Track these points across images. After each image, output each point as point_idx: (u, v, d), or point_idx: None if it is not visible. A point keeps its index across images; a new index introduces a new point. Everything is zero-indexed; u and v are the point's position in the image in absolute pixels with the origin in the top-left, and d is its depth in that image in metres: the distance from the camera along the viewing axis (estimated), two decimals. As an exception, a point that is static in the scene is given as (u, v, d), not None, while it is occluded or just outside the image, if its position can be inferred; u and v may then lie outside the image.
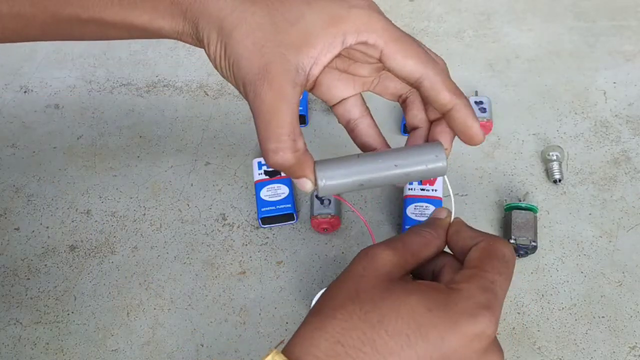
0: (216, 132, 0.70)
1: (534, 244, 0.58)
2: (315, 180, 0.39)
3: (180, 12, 0.39)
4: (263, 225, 0.62)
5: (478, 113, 0.66)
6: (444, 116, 0.40)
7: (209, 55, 0.40)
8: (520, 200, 0.62)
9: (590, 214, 0.62)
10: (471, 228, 0.40)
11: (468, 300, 0.34)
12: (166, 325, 0.57)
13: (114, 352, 0.56)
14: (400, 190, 0.64)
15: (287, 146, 0.37)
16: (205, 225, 0.63)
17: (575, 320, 0.56)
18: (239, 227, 0.63)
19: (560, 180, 0.63)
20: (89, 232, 0.63)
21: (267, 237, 0.62)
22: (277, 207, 0.61)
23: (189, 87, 0.75)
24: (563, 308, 0.57)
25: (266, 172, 0.63)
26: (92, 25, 0.41)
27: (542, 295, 0.57)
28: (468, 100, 0.40)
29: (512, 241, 0.58)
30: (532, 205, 0.59)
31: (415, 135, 0.43)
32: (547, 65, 0.75)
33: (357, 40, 0.37)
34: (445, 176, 0.41)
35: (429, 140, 0.42)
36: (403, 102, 0.44)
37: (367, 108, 0.44)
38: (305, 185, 0.39)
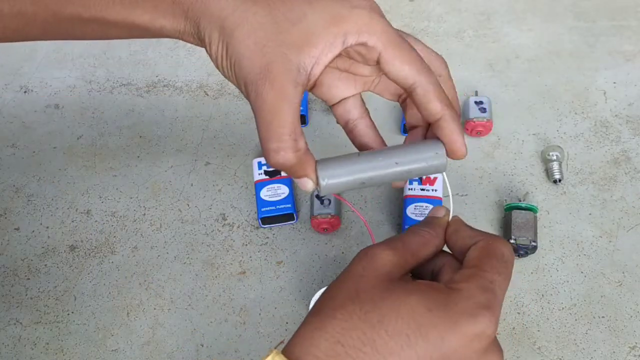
0: (216, 132, 0.70)
1: (534, 244, 0.58)
2: (317, 179, 0.39)
3: (181, 11, 0.39)
4: (263, 225, 0.62)
5: (478, 113, 0.66)
6: (432, 125, 0.40)
7: (210, 55, 0.40)
8: (520, 200, 0.62)
9: (590, 214, 0.62)
10: (470, 227, 0.40)
11: (468, 300, 0.34)
12: (166, 325, 0.57)
13: (114, 352, 0.56)
14: (400, 190, 0.64)
15: (288, 146, 0.37)
16: (205, 225, 0.63)
17: (575, 320, 0.56)
18: (239, 227, 0.63)
19: (560, 180, 0.63)
20: (89, 232, 0.63)
21: (267, 237, 0.62)
22: (277, 207, 0.61)
23: (189, 87, 0.75)
24: (563, 308, 0.57)
25: (266, 172, 0.63)
26: (93, 25, 0.42)
27: (542, 295, 0.57)
28: (457, 114, 0.40)
29: (512, 241, 0.58)
30: (532, 205, 0.59)
31: (414, 133, 0.43)
32: (547, 65, 0.75)
33: (357, 41, 0.38)
34: (444, 173, 0.41)
35: (428, 137, 0.42)
36: (403, 102, 0.44)
37: (367, 109, 0.44)
38: (307, 184, 0.39)
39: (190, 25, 0.39)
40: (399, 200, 0.64)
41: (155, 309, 0.58)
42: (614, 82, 0.72)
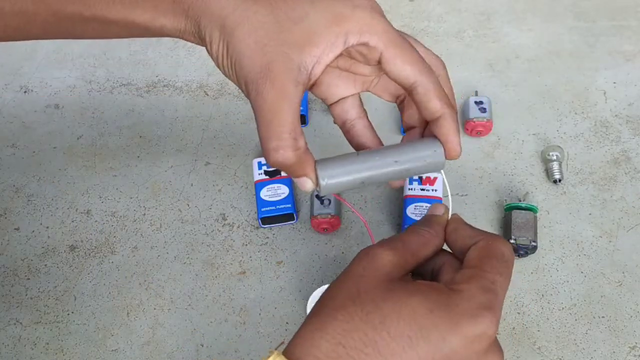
0: (216, 132, 0.70)
1: (534, 244, 0.58)
2: (317, 179, 0.39)
3: (182, 10, 0.39)
4: (263, 225, 0.62)
5: (478, 113, 0.66)
6: (430, 124, 0.40)
7: (210, 54, 0.40)
8: (520, 200, 0.62)
9: (590, 214, 0.62)
10: (469, 226, 0.40)
11: (469, 301, 0.34)
12: (166, 325, 0.57)
13: (114, 352, 0.56)
14: (400, 190, 0.64)
15: (288, 144, 0.37)
16: (205, 225, 0.63)
17: (575, 320, 0.56)
18: (239, 227, 0.63)
19: (560, 180, 0.63)
20: (89, 232, 0.63)
21: (267, 237, 0.62)
22: (277, 207, 0.61)
23: (189, 87, 0.75)
24: (563, 308, 0.57)
25: (266, 172, 0.63)
26: (93, 23, 0.41)
27: (542, 295, 0.57)
28: (456, 113, 0.40)
29: (512, 241, 0.58)
30: (532, 205, 0.59)
31: (412, 133, 0.43)
32: (547, 65, 0.75)
33: (359, 41, 0.38)
34: (442, 171, 0.41)
35: (425, 136, 0.42)
36: (400, 103, 0.44)
37: (365, 110, 0.44)
38: (306, 184, 0.39)
39: (191, 24, 0.39)
40: (399, 200, 0.64)
41: (155, 309, 0.58)
42: (614, 82, 0.72)
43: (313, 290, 0.57)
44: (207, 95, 0.74)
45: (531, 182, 0.64)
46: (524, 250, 0.58)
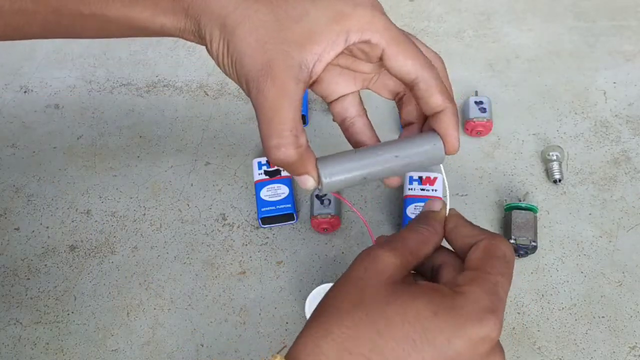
0: (216, 132, 0.70)
1: (534, 244, 0.58)
2: (318, 177, 0.39)
3: (182, 9, 0.39)
4: (263, 225, 0.62)
5: (478, 113, 0.66)
6: (430, 118, 0.40)
7: (211, 53, 0.40)
8: (520, 200, 0.62)
9: (590, 214, 0.62)
10: (470, 223, 0.40)
11: (474, 304, 0.34)
12: (166, 325, 0.57)
13: (114, 352, 0.56)
14: (400, 190, 0.64)
15: (289, 142, 0.37)
16: (205, 225, 0.63)
17: (575, 320, 0.56)
18: (239, 227, 0.63)
19: (560, 180, 0.63)
20: (89, 232, 0.63)
21: (267, 237, 0.62)
22: (277, 207, 0.61)
23: (189, 87, 0.75)
24: (563, 308, 0.57)
25: (266, 172, 0.63)
26: (93, 21, 0.41)
27: (542, 295, 0.57)
28: (456, 109, 0.40)
29: (512, 241, 0.58)
30: (532, 205, 0.59)
31: (410, 129, 0.43)
32: (547, 65, 0.75)
33: (360, 39, 0.38)
34: (442, 165, 0.41)
35: (424, 131, 0.42)
36: (399, 100, 0.44)
37: (364, 108, 0.45)
38: (307, 182, 0.39)
39: (191, 23, 0.39)
40: (399, 200, 0.64)
41: (155, 309, 0.58)
42: (614, 82, 0.72)
43: (313, 290, 0.57)
44: (207, 95, 0.74)
45: (531, 182, 0.64)
46: (524, 250, 0.58)
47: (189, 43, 0.78)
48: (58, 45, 0.80)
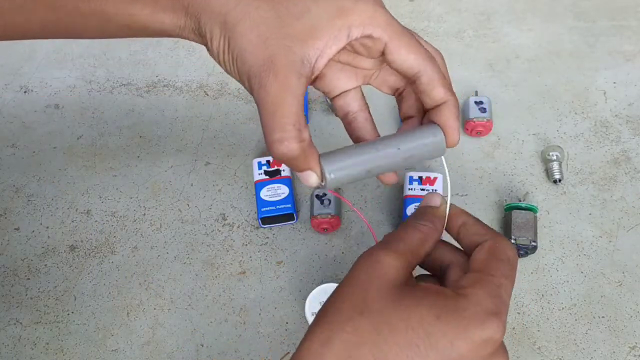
0: (216, 132, 0.70)
1: (534, 244, 0.58)
2: (322, 173, 0.39)
3: (182, 7, 0.39)
4: (263, 225, 0.62)
5: (478, 113, 0.66)
6: (431, 111, 0.41)
7: (211, 51, 0.39)
8: (520, 200, 0.62)
9: (590, 214, 0.62)
10: (477, 221, 0.40)
11: (477, 307, 0.34)
12: (166, 325, 0.57)
13: (114, 352, 0.56)
14: (400, 190, 0.64)
15: (292, 136, 0.36)
16: (205, 225, 0.63)
17: (575, 320, 0.56)
18: (239, 227, 0.63)
19: (560, 180, 0.63)
20: (89, 232, 0.63)
21: (267, 237, 0.62)
22: (277, 207, 0.61)
23: (189, 87, 0.75)
24: (563, 308, 0.57)
25: (266, 172, 0.63)
26: (92, 20, 0.41)
27: (542, 295, 0.57)
28: (458, 101, 0.40)
29: (512, 241, 0.58)
30: (532, 205, 0.59)
31: (409, 123, 0.44)
32: (547, 65, 0.75)
33: (363, 34, 0.38)
34: (443, 158, 0.41)
35: (424, 124, 0.43)
36: (399, 95, 0.44)
37: (366, 103, 0.45)
38: (310, 178, 0.39)
39: (191, 20, 0.39)
40: (399, 200, 0.64)
41: (155, 309, 0.58)
42: (614, 82, 0.72)
43: (313, 290, 0.57)
44: (207, 95, 0.74)
45: (531, 182, 0.64)
46: (524, 250, 0.58)
47: (189, 43, 0.78)
48: (58, 45, 0.80)
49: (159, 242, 0.62)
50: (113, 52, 0.79)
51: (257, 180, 0.63)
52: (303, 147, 0.37)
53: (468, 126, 0.67)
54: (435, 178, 0.61)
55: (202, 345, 0.56)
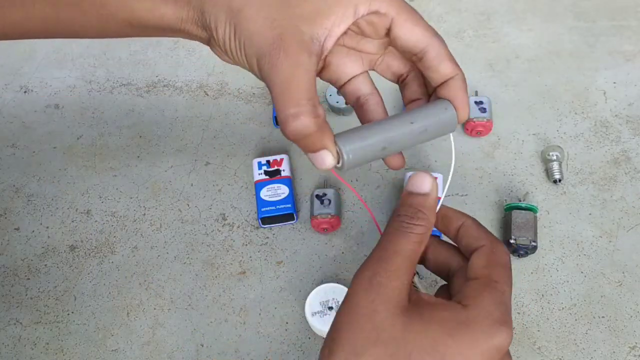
0: (216, 132, 0.70)
1: (534, 244, 0.58)
2: (338, 153, 0.37)
3: None
4: (263, 225, 0.62)
5: (478, 113, 0.66)
6: (439, 88, 0.40)
7: (216, 40, 0.39)
8: (520, 200, 0.62)
9: (590, 214, 0.62)
10: (475, 224, 0.40)
11: (486, 319, 0.34)
12: (166, 325, 0.57)
13: (114, 352, 0.56)
14: (400, 190, 0.64)
15: (307, 110, 0.35)
16: (205, 225, 0.63)
17: (575, 320, 0.56)
18: (239, 227, 0.63)
19: (560, 180, 0.63)
20: (89, 232, 0.63)
21: (267, 237, 0.62)
22: (277, 207, 0.61)
23: (189, 87, 0.75)
24: (563, 308, 0.57)
25: (266, 172, 0.63)
26: (92, 14, 0.41)
27: (542, 295, 0.57)
28: (464, 76, 0.40)
29: (512, 241, 0.58)
30: (532, 205, 0.59)
31: (414, 105, 0.43)
32: (547, 65, 0.75)
33: (369, 10, 0.37)
34: (451, 134, 0.41)
35: (431, 101, 0.43)
36: (402, 82, 0.44)
37: (376, 88, 0.45)
38: (326, 159, 0.37)
39: (194, 11, 0.39)
40: (398, 200, 0.64)
41: (155, 309, 0.58)
42: (614, 82, 0.72)
43: (313, 290, 0.57)
44: (207, 95, 0.74)
45: (531, 182, 0.64)
46: (524, 250, 0.58)
47: (189, 43, 0.78)
48: (58, 45, 0.80)
49: (159, 242, 0.62)
50: (113, 52, 0.79)
51: (257, 180, 0.63)
52: (318, 122, 0.36)
53: (468, 126, 0.67)
54: (435, 178, 0.61)
55: (202, 345, 0.56)
